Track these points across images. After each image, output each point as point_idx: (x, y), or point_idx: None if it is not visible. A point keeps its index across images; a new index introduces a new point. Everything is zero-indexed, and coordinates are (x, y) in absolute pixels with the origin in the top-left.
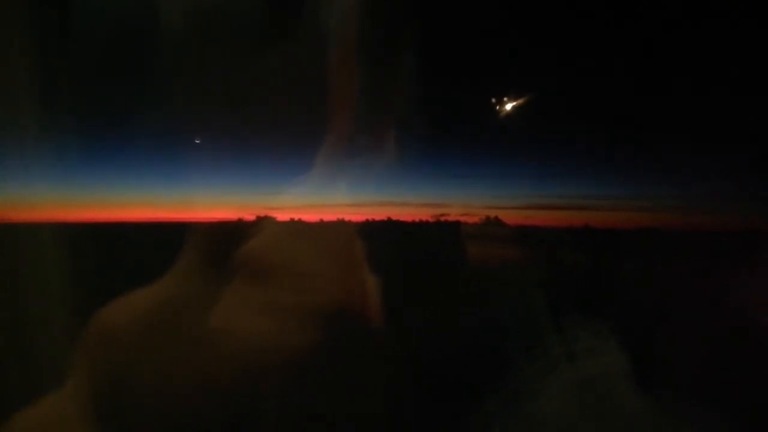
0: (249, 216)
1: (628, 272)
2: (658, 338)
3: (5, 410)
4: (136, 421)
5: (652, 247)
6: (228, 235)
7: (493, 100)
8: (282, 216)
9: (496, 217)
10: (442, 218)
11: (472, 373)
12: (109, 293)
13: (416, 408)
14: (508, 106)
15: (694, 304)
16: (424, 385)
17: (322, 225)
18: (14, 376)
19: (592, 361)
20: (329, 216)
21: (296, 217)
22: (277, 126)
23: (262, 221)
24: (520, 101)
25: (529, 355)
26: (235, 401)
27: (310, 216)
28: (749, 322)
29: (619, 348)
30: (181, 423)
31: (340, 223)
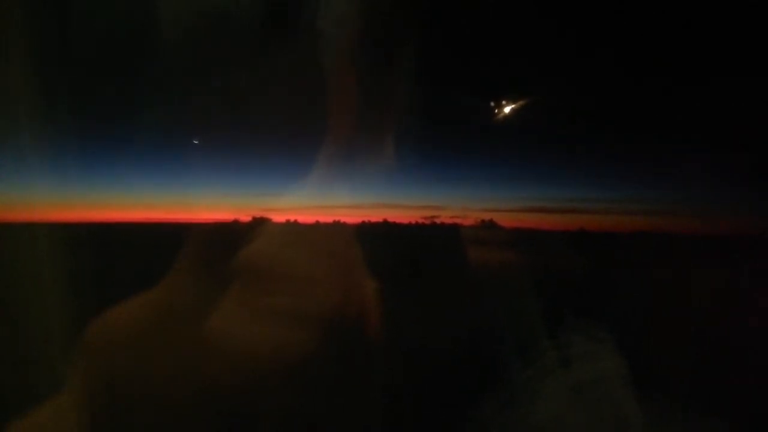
0: (245, 217)
1: (624, 276)
2: (654, 342)
3: (4, 414)
4: (135, 424)
5: (648, 250)
6: (224, 237)
7: (491, 104)
8: (278, 217)
9: (491, 220)
10: (438, 221)
11: (467, 376)
12: (104, 295)
13: (412, 411)
14: (505, 109)
15: (691, 307)
16: (419, 389)
17: (318, 227)
18: (13, 380)
19: (588, 365)
20: (325, 218)
21: (292, 218)
22: (274, 128)
23: (257, 223)
24: (516, 104)
25: (524, 359)
26: (231, 404)
27: (307, 218)
28: (746, 325)
29: (615, 352)
30: (181, 427)
31: (337, 225)
